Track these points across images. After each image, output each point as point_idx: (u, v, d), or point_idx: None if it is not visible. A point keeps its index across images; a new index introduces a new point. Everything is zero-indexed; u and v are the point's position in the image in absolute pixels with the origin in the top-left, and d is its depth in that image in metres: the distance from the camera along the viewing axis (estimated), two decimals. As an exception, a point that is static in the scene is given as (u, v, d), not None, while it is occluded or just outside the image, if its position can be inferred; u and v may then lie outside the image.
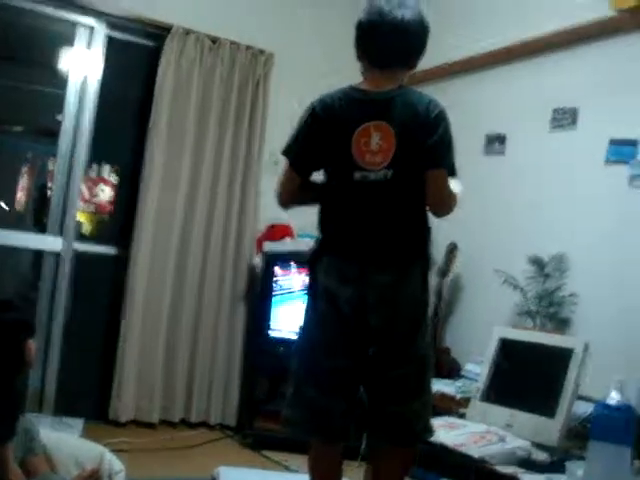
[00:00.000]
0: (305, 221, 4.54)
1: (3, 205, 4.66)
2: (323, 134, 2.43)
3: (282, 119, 4.77)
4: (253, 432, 4.27)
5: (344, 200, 2.43)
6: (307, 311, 2.52)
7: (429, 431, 2.51)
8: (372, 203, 2.39)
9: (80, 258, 4.43)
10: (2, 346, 2.54)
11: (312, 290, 2.49)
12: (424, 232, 2.47)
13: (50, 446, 2.90)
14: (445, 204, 2.46)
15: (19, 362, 2.60)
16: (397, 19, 2.39)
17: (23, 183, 4.71)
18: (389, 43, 2.42)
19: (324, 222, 2.50)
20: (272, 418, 4.25)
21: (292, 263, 4.39)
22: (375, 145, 2.35)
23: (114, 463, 2.87)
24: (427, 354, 2.50)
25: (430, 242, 2.50)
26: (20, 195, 4.69)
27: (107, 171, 4.70)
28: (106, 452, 2.95)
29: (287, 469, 3.85)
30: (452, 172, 2.45)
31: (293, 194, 2.53)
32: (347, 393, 2.45)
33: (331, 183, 2.48)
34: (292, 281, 4.38)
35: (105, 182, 4.68)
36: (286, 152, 2.50)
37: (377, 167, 2.36)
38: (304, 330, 2.52)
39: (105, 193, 4.68)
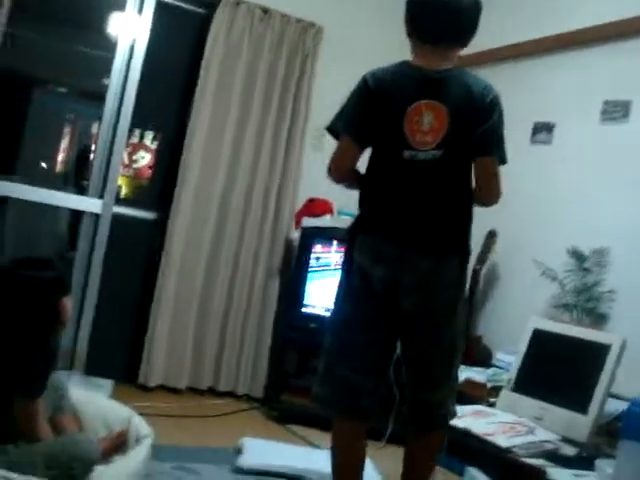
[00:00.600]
0: (346, 199, 4.57)
1: (43, 165, 4.69)
2: (375, 108, 2.37)
3: (328, 94, 4.74)
4: (280, 405, 4.28)
5: (390, 178, 2.38)
6: (340, 287, 2.49)
7: (452, 415, 2.52)
8: (419, 183, 2.35)
9: (118, 220, 4.45)
10: (38, 303, 2.56)
11: (346, 266, 2.45)
12: (467, 221, 2.43)
13: (79, 406, 2.93)
14: (493, 193, 2.42)
15: (54, 320, 2.62)
16: None
17: (65, 144, 4.73)
18: (442, 19, 2.36)
19: (367, 199, 2.45)
20: (300, 393, 4.26)
21: (330, 239, 4.36)
22: (427, 124, 2.30)
23: (142, 427, 2.88)
24: (457, 342, 2.47)
25: (470, 232, 2.46)
26: (62, 156, 4.72)
27: (149, 137, 4.70)
28: (134, 415, 2.96)
29: (311, 444, 3.85)
30: (503, 160, 2.40)
31: (352, 166, 2.44)
32: (377, 371, 2.43)
33: (377, 160, 2.43)
34: (329, 258, 4.35)
35: (146, 149, 4.69)
36: (342, 123, 2.42)
37: (427, 147, 2.31)
38: (337, 306, 2.49)
39: (145, 160, 4.69)
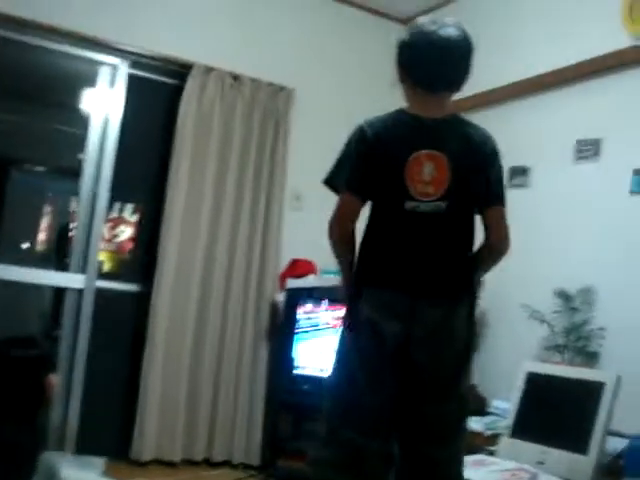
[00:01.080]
0: (328, 258, 4.57)
1: (25, 245, 4.67)
2: (375, 160, 2.30)
3: (304, 155, 4.82)
4: (277, 472, 4.20)
5: (393, 230, 2.31)
6: (344, 346, 2.37)
7: (461, 477, 2.39)
8: (423, 234, 2.28)
9: (102, 295, 4.41)
10: (23, 382, 2.53)
11: (352, 325, 2.33)
12: (472, 267, 2.37)
13: (72, 485, 2.87)
14: (508, 241, 2.37)
15: (40, 397, 2.58)
16: (444, 39, 2.27)
17: (45, 222, 4.72)
18: (438, 65, 2.30)
19: (369, 252, 2.35)
20: (296, 456, 4.22)
21: (316, 299, 4.35)
22: (427, 175, 2.25)
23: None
24: (467, 394, 2.41)
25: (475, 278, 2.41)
26: (42, 234, 4.70)
27: (129, 211, 4.70)
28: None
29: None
30: (505, 206, 2.37)
31: (354, 221, 2.34)
32: (385, 431, 2.31)
33: (379, 212, 2.34)
34: (317, 317, 4.33)
35: (126, 223, 4.68)
36: (342, 178, 2.34)
37: (429, 198, 2.25)
38: (340, 367, 2.36)
39: (126, 233, 4.68)
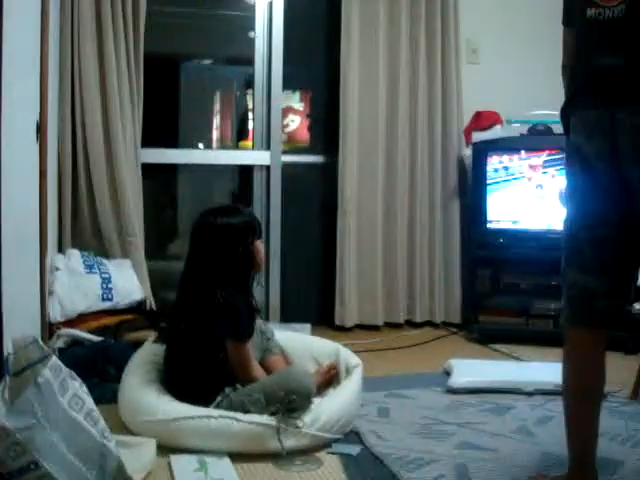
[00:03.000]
0: (512, 106, 4.40)
1: (200, 146, 4.79)
2: None
3: (477, 5, 4.59)
4: (479, 326, 4.19)
5: (581, 45, 2.15)
6: (566, 186, 2.22)
7: None
8: (610, 42, 2.08)
9: (289, 169, 4.49)
10: (233, 248, 2.61)
11: (567, 155, 2.21)
12: None
13: (285, 345, 2.98)
14: None
15: (250, 263, 2.67)
16: None
17: (219, 109, 4.80)
18: None
19: (567, 79, 2.23)
20: (497, 311, 4.19)
21: (505, 150, 4.18)
22: None
23: (350, 357, 2.89)
24: None
25: None
26: (217, 121, 4.79)
27: (296, 99, 4.69)
28: (341, 347, 2.98)
29: (519, 360, 3.75)
30: None
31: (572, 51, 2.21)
32: (612, 269, 2.11)
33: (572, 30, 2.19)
34: (507, 169, 4.17)
35: (294, 112, 4.68)
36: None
37: (612, 2, 2.04)
38: (566, 207, 2.22)
39: (295, 123, 4.69)
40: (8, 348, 2.08)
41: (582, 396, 2.13)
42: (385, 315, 4.49)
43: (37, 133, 2.97)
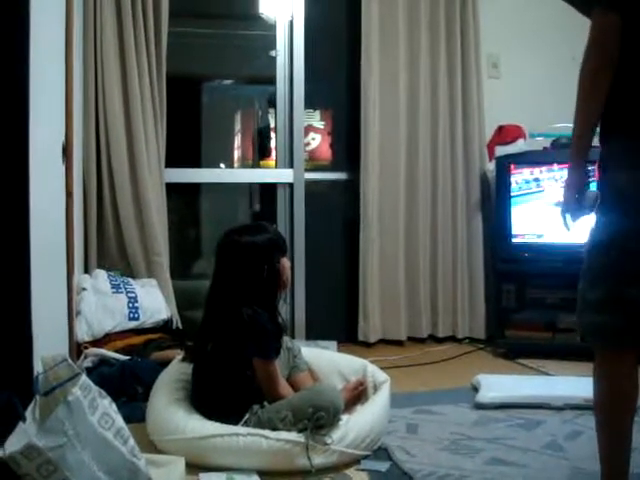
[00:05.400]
0: (536, 119, 4.39)
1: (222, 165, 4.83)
2: None
3: (495, 17, 4.60)
4: (506, 341, 4.17)
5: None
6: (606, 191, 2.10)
7: None
8: None
9: (311, 186, 4.51)
10: (259, 266, 2.61)
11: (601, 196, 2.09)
12: None
13: (312, 362, 2.98)
14: None
15: (276, 280, 2.67)
16: None
17: (241, 128, 4.83)
18: None
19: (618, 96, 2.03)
20: (522, 326, 4.16)
21: (528, 164, 4.15)
22: None
23: (378, 374, 2.89)
24: None
25: None
26: (239, 139, 4.81)
27: (317, 117, 4.71)
28: (368, 364, 2.97)
29: (547, 375, 3.72)
30: None
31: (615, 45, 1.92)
32: None
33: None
34: (530, 183, 4.15)
35: (315, 130, 4.70)
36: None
37: None
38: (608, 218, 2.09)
39: (316, 141, 4.71)
40: (38, 368, 2.09)
41: (617, 410, 2.06)
42: (408, 330, 4.48)
43: (63, 154, 3.00)
